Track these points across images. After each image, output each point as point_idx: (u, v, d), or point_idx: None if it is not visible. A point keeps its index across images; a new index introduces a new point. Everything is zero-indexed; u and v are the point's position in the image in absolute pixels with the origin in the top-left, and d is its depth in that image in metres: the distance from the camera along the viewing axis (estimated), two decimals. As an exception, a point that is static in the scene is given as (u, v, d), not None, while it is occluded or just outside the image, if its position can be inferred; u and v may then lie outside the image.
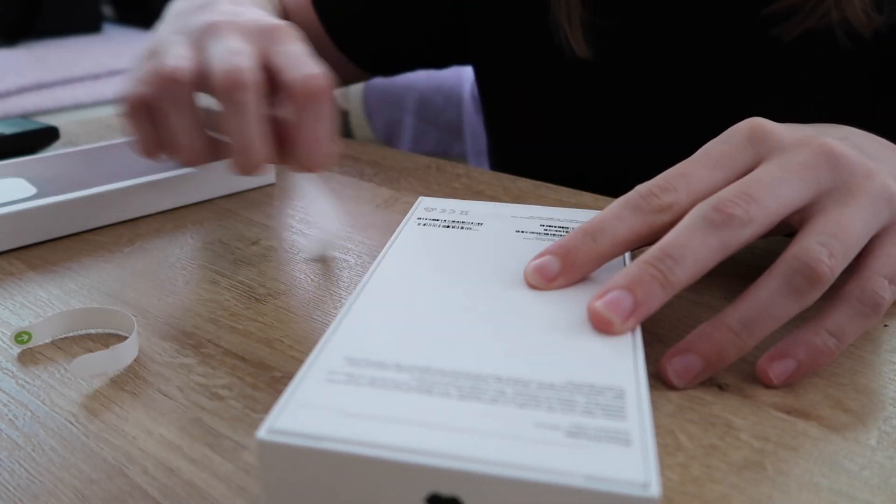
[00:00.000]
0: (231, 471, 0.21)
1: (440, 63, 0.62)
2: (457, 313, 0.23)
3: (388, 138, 1.90)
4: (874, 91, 0.46)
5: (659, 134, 0.51)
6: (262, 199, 0.42)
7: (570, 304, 0.24)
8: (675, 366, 0.24)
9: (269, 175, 0.44)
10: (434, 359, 0.21)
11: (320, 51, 0.60)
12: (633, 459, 0.17)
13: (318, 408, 0.18)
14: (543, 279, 0.25)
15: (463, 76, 1.83)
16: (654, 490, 0.16)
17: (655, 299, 0.23)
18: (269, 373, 0.26)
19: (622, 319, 0.22)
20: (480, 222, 0.30)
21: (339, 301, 0.31)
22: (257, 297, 0.31)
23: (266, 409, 0.24)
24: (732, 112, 0.49)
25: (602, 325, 0.22)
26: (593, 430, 0.18)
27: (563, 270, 0.25)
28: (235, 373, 0.26)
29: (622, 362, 0.21)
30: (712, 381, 0.25)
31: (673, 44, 0.49)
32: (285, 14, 0.60)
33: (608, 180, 0.55)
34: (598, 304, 0.23)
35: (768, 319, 0.23)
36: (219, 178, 0.42)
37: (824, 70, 0.46)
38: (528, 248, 0.28)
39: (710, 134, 0.57)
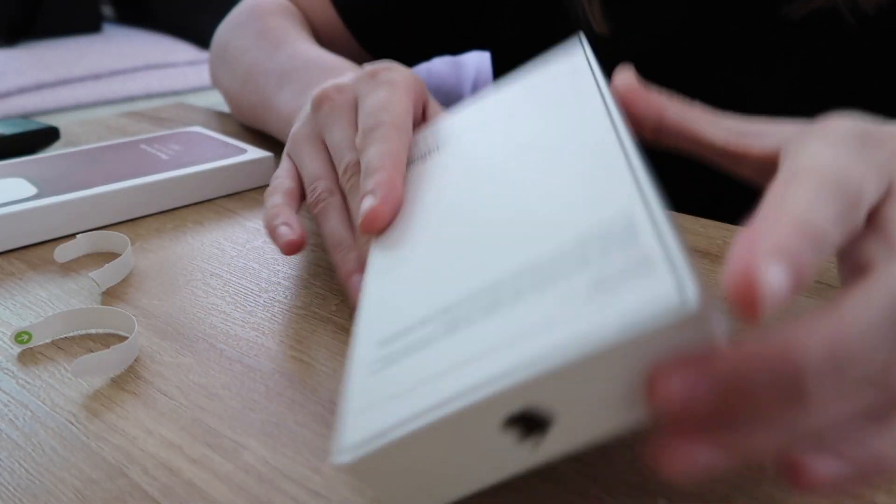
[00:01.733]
0: (231, 471, 0.21)
1: (457, 49, 0.62)
2: (452, 241, 0.22)
3: (388, 138, 1.90)
4: (879, 70, 0.47)
5: None
6: (263, 199, 0.42)
7: (548, 166, 0.22)
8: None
9: (267, 174, 0.44)
10: (447, 294, 0.20)
11: (334, 38, 0.59)
12: (663, 282, 0.15)
13: (373, 404, 0.18)
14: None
15: (463, 76, 1.82)
16: (693, 304, 0.14)
17: None
18: (270, 373, 0.26)
19: None
20: (438, 146, 0.29)
21: (340, 301, 0.31)
22: (257, 297, 0.31)
23: (266, 408, 0.24)
24: (742, 94, 0.49)
25: None
26: (614, 274, 0.16)
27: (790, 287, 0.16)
28: (235, 373, 0.26)
29: (619, 182, 0.19)
30: (713, 381, 0.25)
31: (688, 23, 0.50)
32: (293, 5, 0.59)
33: None
34: None
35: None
36: (219, 178, 0.42)
37: (831, 49, 0.46)
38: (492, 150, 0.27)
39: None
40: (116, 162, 0.42)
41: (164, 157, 0.43)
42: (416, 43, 0.60)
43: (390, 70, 0.32)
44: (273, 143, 0.54)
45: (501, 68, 0.60)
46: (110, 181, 0.39)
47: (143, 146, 0.46)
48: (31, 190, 0.38)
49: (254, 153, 0.44)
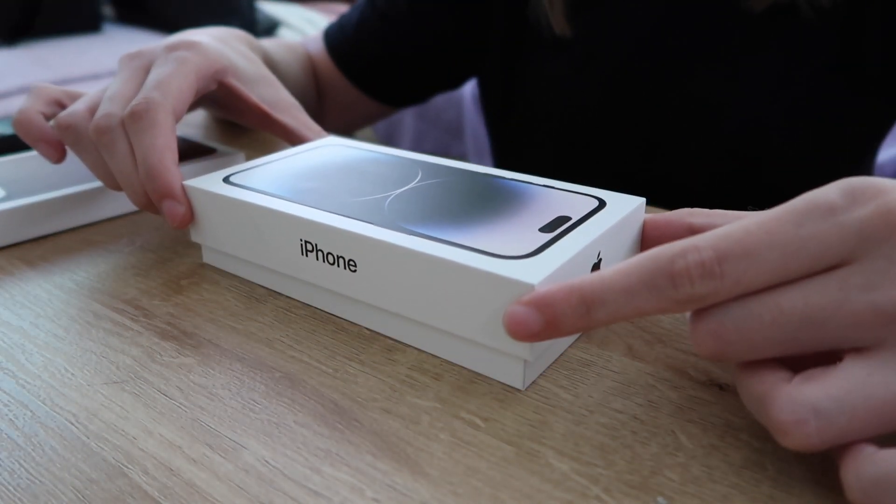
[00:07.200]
0: (231, 471, 0.21)
1: (453, 86, 0.65)
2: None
3: (388, 138, 1.90)
4: (837, 63, 0.47)
5: (644, 120, 0.52)
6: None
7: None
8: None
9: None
10: None
11: (342, 93, 0.63)
12: None
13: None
14: (521, 333, 0.21)
15: (463, 76, 1.83)
16: None
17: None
18: (270, 373, 0.26)
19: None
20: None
21: (339, 301, 0.31)
22: (257, 297, 0.31)
23: (266, 408, 0.24)
24: (710, 92, 0.49)
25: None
26: None
27: (543, 331, 0.21)
28: (235, 373, 0.26)
29: None
30: (712, 382, 0.25)
31: (653, 23, 0.50)
32: (311, 64, 0.63)
33: (602, 172, 0.55)
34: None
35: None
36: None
37: (792, 43, 0.47)
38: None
39: (691, 116, 0.57)
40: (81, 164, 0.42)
41: None
42: (413, 85, 0.63)
43: (188, 47, 0.37)
44: (243, 142, 0.54)
45: (486, 86, 0.63)
46: (80, 182, 0.39)
47: None
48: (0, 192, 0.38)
49: (224, 151, 0.45)
